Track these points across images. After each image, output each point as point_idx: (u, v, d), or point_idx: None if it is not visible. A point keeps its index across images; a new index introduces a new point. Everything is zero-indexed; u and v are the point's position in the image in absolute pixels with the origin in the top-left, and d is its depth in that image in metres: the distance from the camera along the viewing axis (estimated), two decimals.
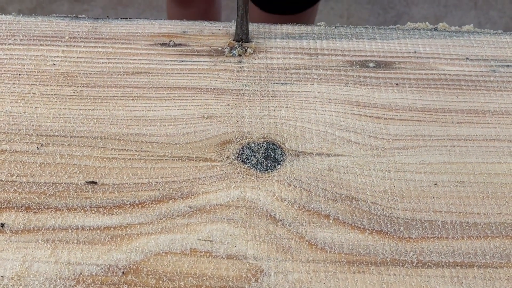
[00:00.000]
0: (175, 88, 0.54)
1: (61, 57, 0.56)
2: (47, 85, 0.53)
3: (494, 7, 2.35)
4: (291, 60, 0.57)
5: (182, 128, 0.51)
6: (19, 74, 0.54)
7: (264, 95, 0.54)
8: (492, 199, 0.47)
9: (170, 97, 0.53)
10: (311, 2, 0.99)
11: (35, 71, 0.54)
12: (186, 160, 0.48)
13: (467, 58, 0.58)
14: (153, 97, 0.53)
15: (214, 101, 0.53)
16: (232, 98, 0.54)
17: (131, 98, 0.53)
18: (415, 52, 0.59)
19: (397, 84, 0.55)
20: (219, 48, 0.58)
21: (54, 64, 0.55)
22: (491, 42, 0.60)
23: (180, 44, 0.58)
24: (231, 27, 0.60)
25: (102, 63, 0.56)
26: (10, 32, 0.58)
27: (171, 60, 0.57)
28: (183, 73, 0.55)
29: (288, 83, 0.55)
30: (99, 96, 0.53)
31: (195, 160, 0.49)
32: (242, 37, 0.57)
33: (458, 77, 0.56)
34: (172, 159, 0.48)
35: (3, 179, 0.46)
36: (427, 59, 0.58)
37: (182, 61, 0.57)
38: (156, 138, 0.50)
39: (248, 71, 0.56)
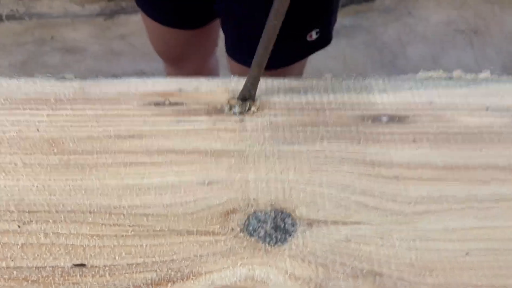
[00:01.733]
0: (172, 151, 0.50)
1: (46, 121, 0.51)
2: (31, 153, 0.49)
3: (490, 44, 2.34)
4: (297, 117, 0.53)
5: (180, 197, 0.46)
6: (0, 143, 0.51)
7: (269, 156, 0.49)
8: None
9: (166, 162, 0.49)
10: (297, 57, 0.94)
11: (17, 138, 0.50)
12: (186, 235, 0.44)
13: (487, 108, 0.54)
14: (148, 162, 0.48)
15: (215, 165, 0.49)
16: (235, 161, 0.49)
17: (123, 164, 0.48)
18: (431, 103, 0.55)
19: (414, 140, 0.51)
20: (218, 106, 0.54)
21: (38, 130, 0.50)
22: (511, 90, 0.57)
23: (176, 103, 0.54)
24: (230, 83, 0.56)
25: (91, 126, 0.51)
26: None
27: (167, 121, 0.52)
28: (180, 135, 0.51)
29: (296, 143, 0.51)
30: (88, 164, 0.48)
31: (196, 234, 0.44)
32: (248, 97, 0.53)
33: (480, 129, 0.52)
34: (170, 234, 0.44)
35: None
36: (444, 111, 0.54)
37: (179, 121, 0.52)
38: (151, 210, 0.45)
39: (251, 130, 0.52)
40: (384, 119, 0.53)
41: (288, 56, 0.90)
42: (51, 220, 0.44)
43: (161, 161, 0.49)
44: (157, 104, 0.54)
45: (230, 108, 0.53)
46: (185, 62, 1.13)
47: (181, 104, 0.54)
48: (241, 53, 0.92)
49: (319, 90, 0.55)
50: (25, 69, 1.82)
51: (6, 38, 1.94)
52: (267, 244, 0.43)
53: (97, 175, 0.47)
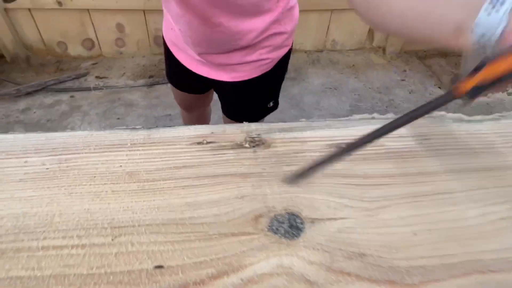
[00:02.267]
0: (213, 176, 0.38)
1: (126, 159, 0.39)
2: (116, 183, 0.36)
3: (340, 96, 2.30)
4: (290, 147, 0.42)
5: (223, 209, 0.35)
6: (94, 177, 0.37)
7: (278, 175, 0.39)
8: (455, 241, 0.34)
9: (211, 183, 0.37)
10: (261, 117, 0.88)
11: (106, 173, 0.37)
12: (231, 236, 0.33)
13: (400, 136, 0.47)
14: (198, 185, 0.37)
15: (243, 183, 0.38)
16: (256, 180, 0.38)
17: (182, 187, 0.37)
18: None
19: (364, 159, 0.43)
20: (239, 142, 0.43)
21: (120, 166, 0.38)
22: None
23: (211, 142, 0.42)
24: (245, 127, 0.45)
25: (157, 161, 0.39)
26: (85, 144, 0.41)
27: (206, 155, 0.41)
28: (217, 164, 0.40)
29: (293, 164, 0.40)
30: (158, 188, 0.36)
31: (238, 235, 0.33)
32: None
33: (399, 149, 0.45)
34: (220, 237, 0.32)
35: (84, 273, 0.29)
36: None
37: (214, 154, 0.41)
38: (205, 219, 0.34)
39: (262, 158, 0.41)
40: (344, 145, 0.44)
41: (256, 116, 0.87)
42: (135, 233, 0.32)
43: (207, 183, 0.37)
44: (198, 143, 0.42)
45: (247, 144, 0.43)
46: (193, 109, 1.09)
47: (214, 142, 0.42)
48: (231, 115, 0.89)
49: (300, 129, 0.45)
50: (105, 116, 1.67)
51: (93, 100, 1.79)
52: (287, 239, 0.33)
53: (164, 196, 0.35)
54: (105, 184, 0.37)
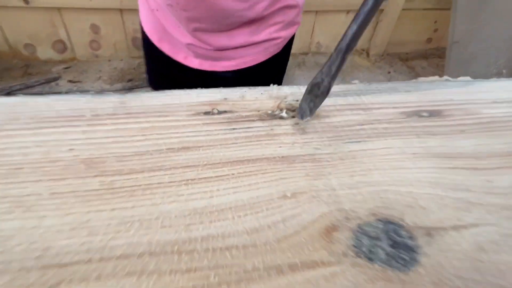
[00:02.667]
0: (236, 161, 0.21)
1: (81, 139, 0.22)
2: (61, 179, 0.19)
3: None
4: (349, 117, 0.26)
5: (264, 217, 0.18)
6: (19, 169, 0.20)
7: (344, 157, 0.22)
8: None
9: (233, 174, 0.20)
10: None
11: (42, 162, 0.20)
12: (290, 272, 0.16)
13: (494, 102, 0.33)
14: (213, 177, 0.20)
15: (289, 172, 0.21)
16: (310, 166, 0.21)
17: (184, 182, 0.19)
18: (451, 100, 0.30)
19: (462, 131, 0.28)
20: (269, 112, 0.26)
21: (71, 149, 0.22)
22: (498, 87, 0.35)
23: (225, 111, 0.25)
24: (272, 90, 0.28)
25: (137, 141, 0.22)
26: (11, 116, 0.24)
27: (221, 129, 0.24)
28: (239, 143, 0.23)
29: (361, 141, 0.24)
30: (139, 185, 0.19)
31: (303, 269, 0.16)
32: (303, 115, 0.26)
33: (502, 119, 0.30)
34: (269, 274, 0.15)
35: None
36: (466, 105, 0.30)
37: (233, 129, 0.24)
38: (233, 240, 0.17)
39: (311, 132, 0.24)
40: (425, 114, 0.29)
41: None
42: (92, 277, 0.15)
43: (227, 173, 0.20)
44: (206, 113, 0.25)
45: (280, 113, 0.28)
46: None
47: (230, 112, 0.25)
48: None
49: (357, 92, 0.29)
50: None
51: None
52: (398, 270, 0.17)
53: (152, 199, 0.18)
54: (38, 181, 0.19)
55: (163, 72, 0.62)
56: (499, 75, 1.68)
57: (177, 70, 0.57)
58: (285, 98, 0.27)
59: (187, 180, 0.20)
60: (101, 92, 0.25)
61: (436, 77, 0.33)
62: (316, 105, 0.25)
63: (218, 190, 0.19)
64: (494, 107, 0.30)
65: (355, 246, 0.17)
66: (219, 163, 0.21)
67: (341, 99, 0.28)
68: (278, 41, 0.56)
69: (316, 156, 0.22)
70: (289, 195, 0.20)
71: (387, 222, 0.19)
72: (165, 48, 0.56)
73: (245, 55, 0.56)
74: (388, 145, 0.24)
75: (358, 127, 0.25)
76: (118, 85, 1.69)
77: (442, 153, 0.24)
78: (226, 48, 0.53)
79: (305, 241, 0.17)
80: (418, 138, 0.25)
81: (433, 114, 0.28)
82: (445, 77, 0.33)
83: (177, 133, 0.23)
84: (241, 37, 0.52)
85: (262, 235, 0.17)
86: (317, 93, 0.25)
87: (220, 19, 0.48)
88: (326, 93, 0.25)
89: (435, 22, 2.19)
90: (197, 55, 0.54)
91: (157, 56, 0.58)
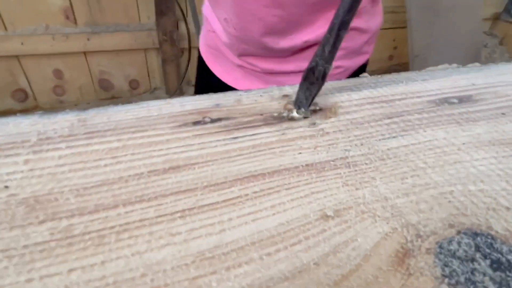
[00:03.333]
0: (248, 177, 0.15)
1: (21, 172, 0.15)
2: None
3: None
4: (372, 111, 0.21)
5: (305, 250, 0.12)
6: None
7: (384, 157, 0.17)
8: None
9: (247, 195, 0.14)
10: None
11: None
12: None
13: None
14: (219, 202, 0.14)
15: (321, 183, 0.15)
16: (345, 172, 0.16)
17: (179, 215, 0.13)
18: (474, 84, 0.27)
19: (503, 114, 0.24)
20: (275, 114, 0.21)
21: (6, 186, 0.15)
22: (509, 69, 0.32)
23: (219, 119, 0.20)
24: (272, 91, 0.23)
25: (105, 166, 0.15)
26: None
27: (218, 140, 0.18)
28: (246, 154, 0.17)
29: (397, 136, 0.19)
30: (111, 228, 0.12)
31: None
32: (300, 105, 0.21)
33: None
34: None
35: None
36: (492, 88, 0.26)
37: (235, 138, 0.18)
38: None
39: (334, 132, 0.19)
40: (455, 100, 0.25)
41: None
42: None
43: (239, 194, 0.14)
44: (195, 123, 0.19)
45: (289, 114, 0.22)
46: None
47: (226, 119, 0.20)
48: None
49: (370, 85, 0.24)
50: None
51: None
52: None
53: (133, 246, 0.12)
54: None
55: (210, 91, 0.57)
56: None
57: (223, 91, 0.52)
58: (290, 97, 0.22)
59: (183, 211, 0.14)
60: (53, 111, 0.19)
61: (446, 65, 0.30)
62: (312, 93, 0.20)
63: (230, 220, 0.13)
64: None
65: (445, 276, 0.12)
66: (224, 182, 0.15)
67: (354, 93, 0.23)
68: (339, 70, 0.46)
69: (349, 160, 0.17)
70: (330, 213, 0.14)
71: (473, 234, 0.13)
72: (217, 70, 0.51)
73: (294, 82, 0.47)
74: (431, 137, 0.19)
75: (387, 120, 0.20)
76: None
77: (495, 140, 0.19)
78: (276, 72, 0.45)
79: (374, 279, 0.11)
80: (461, 126, 0.20)
81: (463, 100, 0.24)
82: (455, 64, 0.30)
83: (160, 150, 0.17)
84: (292, 63, 0.44)
85: (310, 279, 0.11)
86: (312, 80, 0.21)
87: (269, 47, 0.41)
88: (322, 78, 0.20)
89: (394, 40, 2.31)
90: (247, 78, 0.47)
91: (208, 77, 0.54)
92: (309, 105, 0.21)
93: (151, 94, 1.81)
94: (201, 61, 0.55)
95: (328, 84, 0.24)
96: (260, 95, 0.22)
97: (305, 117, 0.20)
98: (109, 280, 0.11)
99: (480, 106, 0.23)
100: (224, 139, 0.18)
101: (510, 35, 2.00)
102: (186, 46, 1.64)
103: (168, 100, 0.21)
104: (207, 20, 0.51)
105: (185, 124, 0.19)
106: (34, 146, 0.16)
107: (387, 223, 0.14)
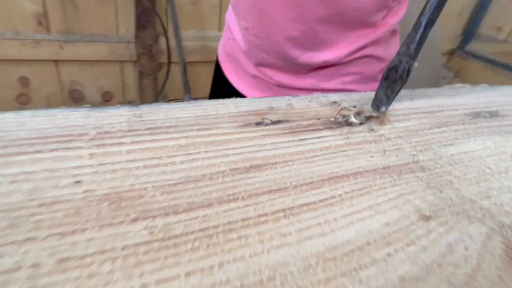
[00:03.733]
0: (334, 178, 0.14)
1: (91, 166, 0.13)
2: (72, 232, 0.10)
3: None
4: (420, 120, 0.22)
5: (423, 250, 0.11)
6: None
7: (452, 163, 0.17)
8: None
9: (341, 195, 0.13)
10: None
11: (30, 206, 0.11)
12: None
13: None
14: (316, 202, 0.13)
15: (406, 185, 0.15)
16: (424, 176, 0.16)
17: (282, 214, 0.12)
18: (494, 101, 0.28)
19: None
20: (331, 119, 0.20)
21: (78, 181, 0.13)
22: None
23: (279, 121, 0.19)
24: (319, 98, 0.23)
25: (181, 162, 0.14)
26: None
27: (288, 141, 0.17)
28: (321, 156, 0.16)
29: (453, 143, 0.19)
30: (215, 227, 0.11)
31: None
32: (379, 105, 0.22)
33: None
34: None
35: None
36: (511, 106, 0.29)
37: (302, 139, 0.17)
38: None
39: (395, 138, 0.19)
40: (486, 115, 0.26)
41: None
42: None
43: (332, 195, 0.13)
44: (258, 124, 0.18)
45: (344, 120, 0.22)
46: None
47: (286, 121, 0.19)
48: None
49: (407, 98, 0.25)
50: None
51: None
52: None
53: (247, 247, 0.10)
54: (27, 241, 0.10)
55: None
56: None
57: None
58: (339, 103, 0.22)
59: (284, 210, 0.13)
60: (101, 106, 0.17)
61: (460, 84, 0.32)
62: (394, 91, 0.21)
63: (335, 220, 0.13)
64: None
65: None
66: (312, 182, 0.14)
67: (397, 104, 0.24)
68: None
69: (422, 164, 0.17)
70: (429, 214, 0.14)
71: None
72: (232, 78, 0.51)
73: None
74: (482, 146, 0.20)
75: (437, 129, 0.21)
76: None
77: None
78: (289, 87, 0.45)
79: (499, 278, 0.11)
80: (503, 137, 0.21)
81: (493, 114, 0.25)
82: (467, 84, 0.32)
83: (234, 148, 0.16)
84: (308, 80, 0.44)
85: (441, 280, 0.11)
86: (395, 78, 0.21)
87: (289, 59, 0.41)
88: (406, 76, 0.21)
89: None
90: (259, 88, 0.47)
91: (224, 85, 0.53)
92: (390, 104, 0.21)
93: None
94: (217, 69, 0.55)
95: (366, 95, 0.25)
96: (309, 101, 0.22)
97: (361, 123, 0.21)
98: (236, 283, 0.10)
99: (509, 120, 0.24)
100: (293, 141, 0.17)
101: (463, 68, 2.21)
102: (165, 60, 1.62)
103: (221, 101, 0.20)
104: (228, 28, 0.50)
105: (248, 125, 0.18)
106: (95, 140, 0.14)
107: (483, 224, 0.14)
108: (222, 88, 0.53)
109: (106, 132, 0.15)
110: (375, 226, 0.13)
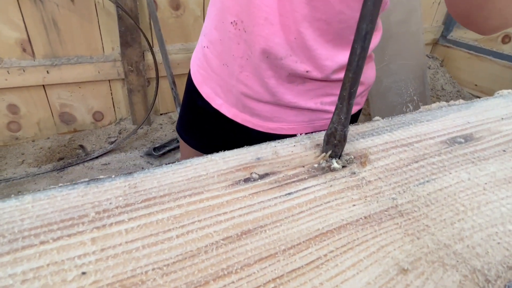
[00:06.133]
0: (318, 236, 0.16)
1: (94, 253, 0.14)
2: None
3: None
4: (398, 155, 0.23)
5: None
6: None
7: (428, 203, 0.18)
8: None
9: (326, 255, 0.15)
10: None
11: None
12: None
13: (502, 118, 0.33)
14: (304, 267, 0.14)
15: (385, 235, 0.16)
16: (402, 222, 0.17)
17: (272, 285, 0.13)
18: (468, 122, 0.30)
19: (504, 151, 0.27)
20: (315, 165, 0.22)
21: (84, 272, 0.14)
22: (491, 105, 0.36)
23: (267, 174, 0.20)
24: (303, 141, 0.24)
25: (177, 237, 0.15)
26: None
27: (275, 197, 0.18)
28: (308, 210, 0.17)
29: (429, 180, 0.20)
30: None
31: None
32: (340, 143, 0.22)
33: None
34: None
35: None
36: (484, 125, 0.29)
37: (289, 194, 0.19)
38: None
39: (375, 180, 0.20)
40: (461, 140, 0.27)
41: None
42: None
43: (318, 256, 0.15)
44: (246, 180, 0.20)
45: (327, 164, 0.23)
46: None
47: (273, 173, 0.20)
48: None
49: (384, 130, 0.27)
50: None
51: None
52: None
53: None
54: None
55: (195, 117, 0.54)
56: (412, 102, 1.93)
57: (210, 117, 0.50)
58: (321, 147, 0.23)
59: (274, 280, 0.14)
60: (96, 178, 0.18)
61: (438, 103, 0.33)
62: (338, 152, 0.22)
63: (321, 285, 0.14)
64: (507, 123, 0.30)
65: None
66: (299, 244, 0.16)
67: (376, 138, 0.25)
68: (328, 116, 0.46)
69: (400, 209, 0.18)
70: (407, 267, 0.15)
71: None
72: (205, 91, 0.49)
73: (285, 120, 0.46)
74: (457, 179, 0.21)
75: (415, 165, 0.22)
76: (48, 166, 1.49)
77: (509, 178, 0.22)
78: (267, 101, 0.44)
79: None
80: (476, 165, 0.23)
81: (467, 139, 0.26)
82: (444, 102, 0.34)
83: (225, 213, 0.17)
84: (286, 94, 0.43)
85: None
86: (334, 143, 0.22)
87: (272, 58, 0.40)
88: (344, 139, 0.22)
89: None
90: (234, 104, 0.46)
91: (195, 99, 0.52)
92: (339, 157, 0.22)
93: (117, 125, 1.75)
94: (189, 82, 0.54)
95: (350, 129, 0.26)
96: (294, 145, 0.23)
97: (343, 166, 0.22)
98: None
99: (482, 144, 0.26)
100: (280, 196, 0.19)
101: (448, 57, 2.25)
102: (153, 75, 1.63)
103: (210, 157, 0.21)
104: (204, 36, 0.48)
105: (237, 183, 0.19)
106: (95, 222, 0.16)
107: (457, 271, 0.15)
108: (194, 102, 0.52)
109: (104, 211, 0.16)
110: (358, 286, 0.14)
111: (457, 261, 0.15)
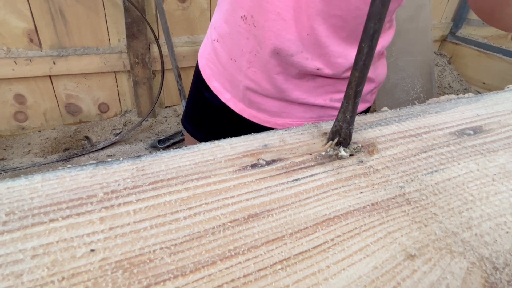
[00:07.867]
0: (325, 221, 0.16)
1: (102, 232, 0.14)
2: None
3: None
4: (407, 145, 0.23)
5: None
6: None
7: (436, 192, 0.18)
8: None
9: (332, 240, 0.15)
10: None
11: (50, 282, 0.13)
12: None
13: (511, 112, 0.32)
14: (311, 250, 0.14)
15: (392, 221, 0.16)
16: (410, 210, 0.17)
17: (279, 267, 0.13)
18: (478, 115, 0.29)
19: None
20: (323, 153, 0.22)
21: (92, 250, 0.15)
22: (500, 99, 0.35)
23: (274, 161, 0.20)
24: (311, 129, 0.24)
25: (184, 218, 0.15)
26: None
27: (282, 183, 0.18)
28: (314, 197, 0.17)
29: (438, 170, 0.20)
30: (219, 287, 0.14)
31: None
32: (345, 140, 0.22)
33: None
34: None
35: None
36: (494, 118, 0.29)
37: (296, 180, 0.19)
38: None
39: (383, 168, 0.20)
40: (470, 132, 0.27)
41: None
42: None
43: (325, 240, 0.15)
44: (253, 166, 0.20)
45: (334, 152, 0.23)
46: None
47: (280, 160, 0.20)
48: None
49: (393, 120, 0.26)
50: None
51: None
52: None
53: None
54: None
55: (201, 111, 0.53)
56: (418, 99, 1.91)
57: (217, 111, 0.49)
58: (326, 134, 0.23)
59: (281, 262, 0.14)
60: (104, 161, 0.18)
61: (446, 96, 0.33)
62: (345, 145, 0.22)
63: (328, 267, 0.14)
64: None
65: None
66: (306, 228, 0.16)
67: (384, 128, 0.25)
68: (337, 112, 0.46)
69: (407, 197, 0.18)
70: (414, 253, 0.15)
71: None
72: (214, 85, 0.49)
73: (293, 116, 0.45)
74: (466, 169, 0.21)
75: (423, 155, 0.22)
76: (54, 156, 1.50)
77: None
78: (274, 97, 0.44)
79: None
80: (485, 157, 0.23)
81: (476, 131, 0.26)
82: (453, 95, 0.34)
83: (232, 197, 0.17)
84: (295, 90, 0.42)
85: None
86: (339, 140, 0.22)
87: (283, 55, 0.39)
88: (349, 137, 0.22)
89: None
90: (241, 99, 0.46)
91: (202, 92, 0.51)
92: (347, 146, 0.22)
93: (122, 117, 1.75)
94: (197, 75, 0.53)
95: (358, 119, 0.26)
96: (301, 133, 0.23)
97: (351, 155, 0.22)
98: None
99: (492, 136, 0.25)
100: (287, 182, 0.19)
101: (456, 54, 2.22)
102: (158, 68, 1.63)
103: (217, 143, 0.21)
104: (214, 29, 0.47)
105: (244, 168, 0.19)
106: (103, 202, 0.16)
107: (464, 258, 0.15)
108: (202, 95, 0.52)
109: (113, 191, 0.16)
110: (364, 270, 0.14)
111: (465, 248, 0.15)
